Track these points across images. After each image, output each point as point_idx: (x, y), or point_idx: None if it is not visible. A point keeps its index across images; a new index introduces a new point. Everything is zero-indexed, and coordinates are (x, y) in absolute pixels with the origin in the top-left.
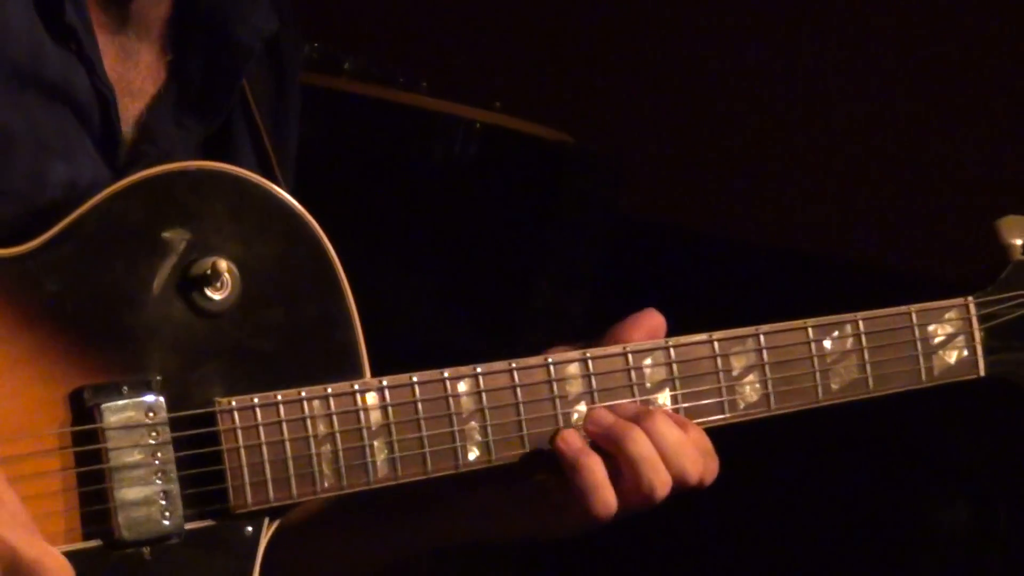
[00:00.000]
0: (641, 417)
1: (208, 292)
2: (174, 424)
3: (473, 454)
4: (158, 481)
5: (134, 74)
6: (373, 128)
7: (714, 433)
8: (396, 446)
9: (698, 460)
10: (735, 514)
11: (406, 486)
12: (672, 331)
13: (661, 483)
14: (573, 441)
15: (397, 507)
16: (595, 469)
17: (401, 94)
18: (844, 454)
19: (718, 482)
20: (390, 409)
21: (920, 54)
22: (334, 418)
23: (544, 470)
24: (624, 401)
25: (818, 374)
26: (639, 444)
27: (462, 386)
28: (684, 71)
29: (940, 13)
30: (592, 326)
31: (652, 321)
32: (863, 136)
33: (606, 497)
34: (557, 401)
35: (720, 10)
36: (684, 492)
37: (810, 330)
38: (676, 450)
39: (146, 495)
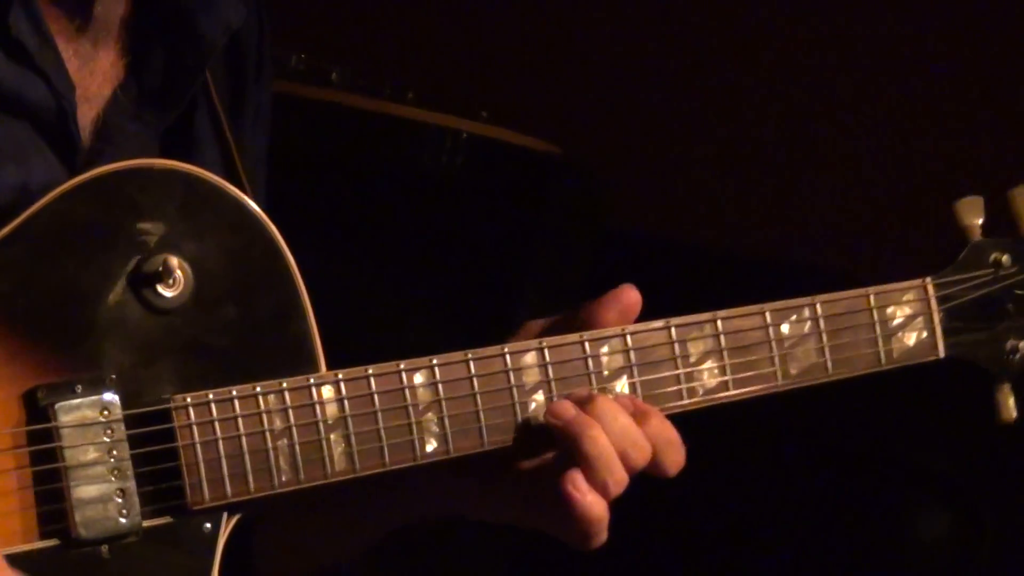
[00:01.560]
0: (585, 402)
1: (160, 289)
2: (129, 422)
3: (431, 446)
4: (114, 479)
5: (91, 79)
6: (360, 139)
7: (692, 439)
8: (353, 439)
9: (644, 447)
10: (715, 524)
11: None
12: None
13: (616, 481)
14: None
15: (371, 492)
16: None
17: (388, 104)
18: (825, 464)
19: (697, 491)
20: (346, 402)
21: (903, 66)
22: (290, 412)
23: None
24: (580, 389)
25: (777, 358)
26: (594, 444)
27: (418, 378)
28: (672, 84)
29: (923, 27)
30: None
31: (627, 298)
32: (850, 148)
33: (595, 502)
34: (514, 391)
35: (707, 24)
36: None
37: (768, 314)
38: (620, 436)
39: (102, 493)
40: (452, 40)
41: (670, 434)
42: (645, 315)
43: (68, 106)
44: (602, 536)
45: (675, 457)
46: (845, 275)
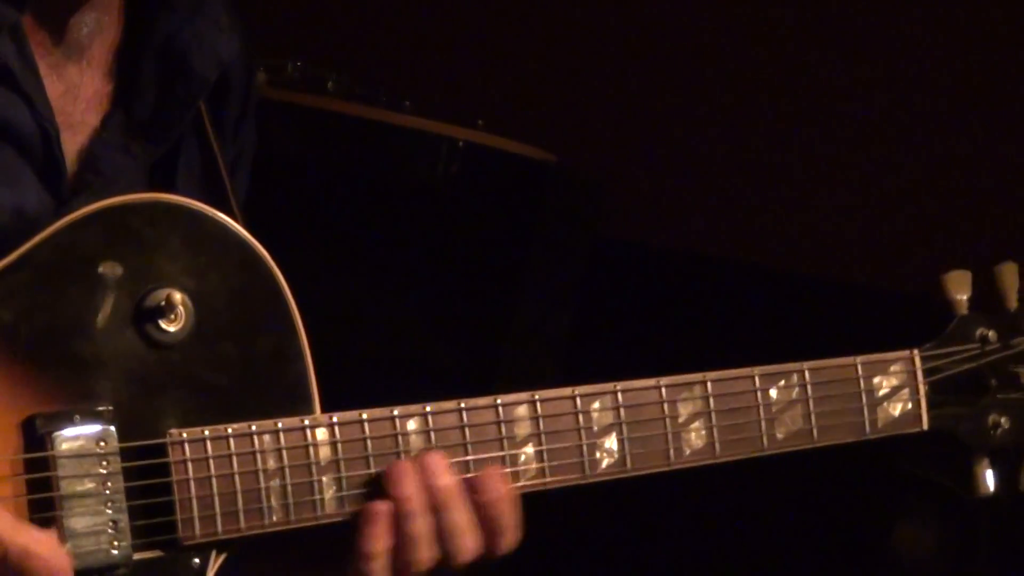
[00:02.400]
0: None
1: (162, 324)
2: (125, 454)
3: None
4: (108, 511)
5: (74, 107)
6: (356, 147)
7: None
8: (344, 483)
9: (476, 539)
10: (707, 529)
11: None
12: (653, 350)
13: (426, 559)
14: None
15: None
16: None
17: (384, 113)
18: (817, 468)
19: (689, 494)
20: (339, 445)
21: (900, 74)
22: (284, 452)
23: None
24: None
25: (764, 423)
26: (416, 524)
27: (411, 424)
28: (668, 93)
29: (916, 35)
30: (573, 345)
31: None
32: (846, 157)
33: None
34: (505, 442)
35: (704, 33)
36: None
37: (756, 378)
38: (457, 532)
39: (95, 524)
40: (448, 48)
41: (510, 518)
42: (639, 325)
43: (51, 129)
44: None
45: (511, 540)
46: (841, 284)
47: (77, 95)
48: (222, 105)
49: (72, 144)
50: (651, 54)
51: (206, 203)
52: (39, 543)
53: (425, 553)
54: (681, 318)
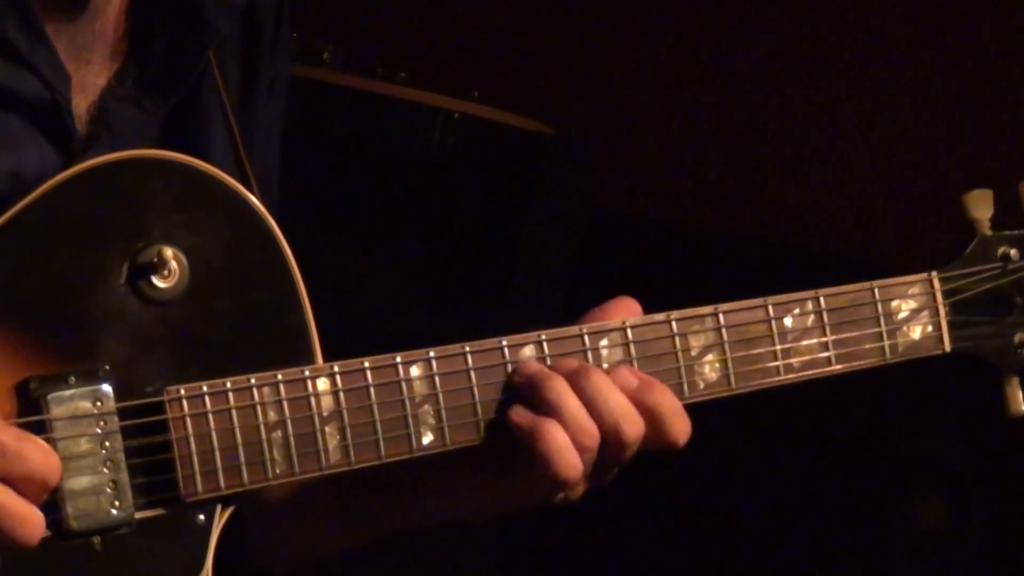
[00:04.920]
0: (576, 373)
1: (155, 280)
2: (122, 413)
3: (427, 439)
4: (106, 471)
5: (87, 69)
6: (351, 119)
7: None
8: (348, 432)
9: (635, 419)
10: (708, 511)
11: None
12: None
13: (581, 431)
14: (525, 412)
15: (377, 487)
16: (553, 433)
17: (379, 84)
18: (817, 449)
19: (691, 475)
20: (342, 395)
21: (901, 49)
22: (284, 404)
23: (506, 446)
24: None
25: (779, 351)
26: (559, 393)
27: (415, 370)
28: (665, 63)
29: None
30: (569, 317)
31: (626, 308)
32: (844, 128)
33: (569, 459)
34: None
35: (702, 4)
36: (640, 450)
37: (770, 307)
38: (607, 405)
39: (95, 485)
40: (444, 20)
41: (673, 403)
42: (636, 296)
43: (62, 99)
44: (573, 462)
45: (682, 426)
46: (842, 258)
47: (90, 57)
48: (254, 49)
49: (83, 103)
50: (647, 25)
51: (223, 156)
52: (29, 441)
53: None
54: (678, 290)
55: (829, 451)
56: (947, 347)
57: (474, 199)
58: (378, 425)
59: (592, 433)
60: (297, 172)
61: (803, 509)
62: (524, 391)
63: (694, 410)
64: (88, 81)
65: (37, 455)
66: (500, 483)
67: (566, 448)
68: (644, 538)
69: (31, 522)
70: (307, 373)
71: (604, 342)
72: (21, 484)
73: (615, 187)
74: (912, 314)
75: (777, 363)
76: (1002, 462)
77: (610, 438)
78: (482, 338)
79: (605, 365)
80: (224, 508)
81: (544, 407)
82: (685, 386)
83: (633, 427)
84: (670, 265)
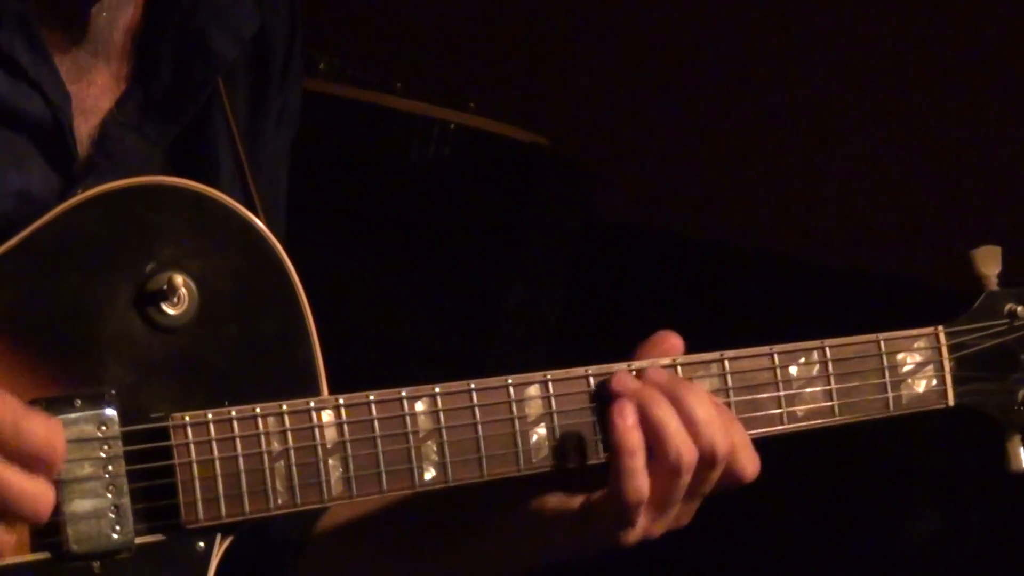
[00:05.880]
0: (672, 385)
1: (164, 307)
2: (127, 438)
3: (429, 474)
4: (109, 495)
5: (88, 91)
6: (348, 129)
7: None
8: (351, 464)
9: (726, 435)
10: (708, 522)
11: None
12: (644, 334)
13: (688, 449)
14: (628, 414)
15: (435, 525)
16: (638, 450)
17: (376, 95)
18: (815, 462)
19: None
20: (346, 427)
21: (905, 58)
22: (288, 434)
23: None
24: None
25: (783, 399)
26: (663, 409)
27: (420, 405)
28: (660, 74)
29: (927, 18)
30: (564, 328)
31: (667, 344)
32: (842, 140)
33: (640, 483)
34: (516, 422)
35: (697, 13)
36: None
37: (776, 356)
38: (706, 421)
39: (96, 508)
40: (440, 31)
41: (745, 436)
42: (630, 308)
43: (64, 118)
44: (643, 487)
45: (752, 457)
46: (833, 270)
47: (93, 80)
48: (263, 76)
49: (86, 127)
50: (643, 37)
51: (230, 186)
52: (33, 419)
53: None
54: (673, 302)
55: (827, 465)
56: (951, 402)
57: (469, 209)
58: (381, 458)
59: (692, 449)
60: (293, 182)
61: (801, 523)
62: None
63: None
64: (89, 102)
65: (38, 431)
66: (564, 517)
67: (641, 471)
68: (641, 552)
69: (38, 499)
70: (312, 404)
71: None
72: (23, 461)
73: (610, 198)
74: (917, 367)
75: (780, 410)
76: (999, 478)
77: (706, 455)
78: (477, 346)
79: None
80: (224, 536)
81: (649, 425)
82: None
83: (724, 442)
84: (666, 276)
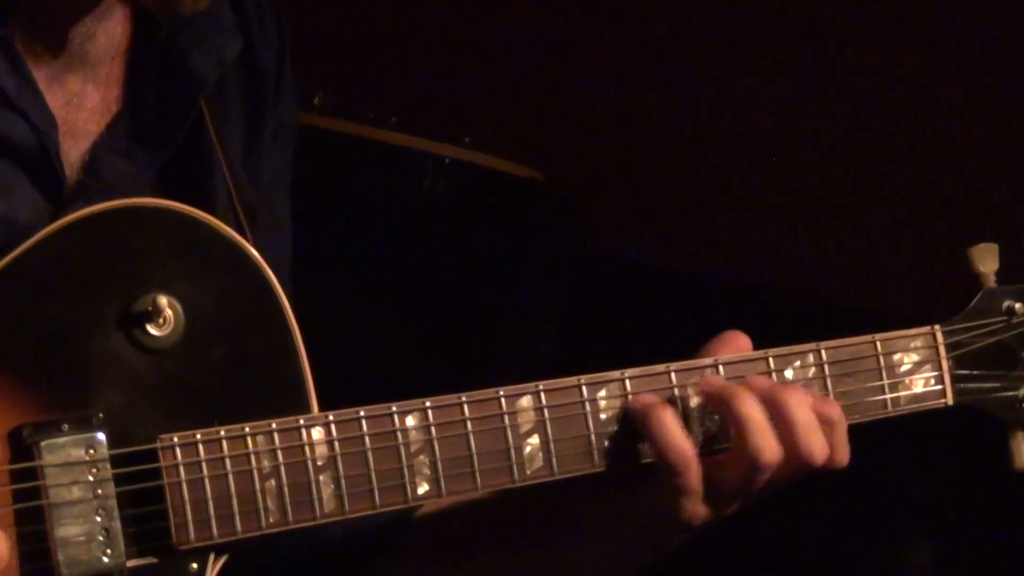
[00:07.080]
0: (774, 389)
1: (150, 329)
2: (115, 461)
3: (423, 488)
4: (98, 518)
5: (76, 116)
6: (343, 163)
7: None
8: (343, 481)
9: (823, 443)
10: (702, 551)
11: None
12: (640, 365)
13: (768, 448)
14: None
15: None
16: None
17: (371, 129)
18: (810, 494)
19: None
20: (336, 443)
21: (888, 88)
22: (279, 453)
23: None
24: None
25: None
26: (747, 405)
27: (411, 420)
28: (654, 109)
29: (907, 45)
30: (559, 361)
31: (737, 343)
32: (833, 173)
33: (770, 441)
34: (508, 433)
35: (690, 48)
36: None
37: (771, 360)
38: (804, 426)
39: (86, 532)
40: (435, 66)
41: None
42: (626, 341)
43: (50, 144)
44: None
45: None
46: (825, 303)
47: (81, 104)
48: (257, 96)
49: (75, 151)
50: (637, 71)
51: (222, 207)
52: None
53: None
54: (668, 334)
55: (818, 500)
56: (950, 400)
57: (464, 244)
58: (373, 475)
59: (774, 447)
60: None
61: (794, 554)
62: (713, 402)
63: None
64: (79, 127)
65: None
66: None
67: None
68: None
69: None
70: (302, 422)
71: (602, 393)
72: None
73: (605, 232)
74: (915, 367)
75: None
76: (992, 511)
77: (799, 458)
78: (472, 380)
79: (603, 416)
80: (217, 557)
81: (733, 420)
82: None
83: (821, 448)
84: (661, 309)
